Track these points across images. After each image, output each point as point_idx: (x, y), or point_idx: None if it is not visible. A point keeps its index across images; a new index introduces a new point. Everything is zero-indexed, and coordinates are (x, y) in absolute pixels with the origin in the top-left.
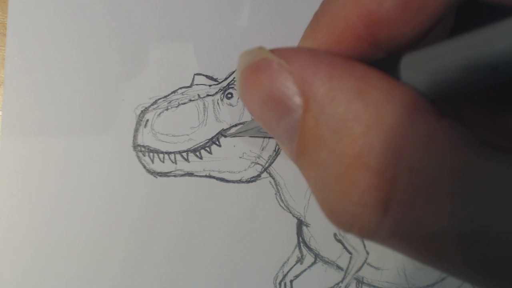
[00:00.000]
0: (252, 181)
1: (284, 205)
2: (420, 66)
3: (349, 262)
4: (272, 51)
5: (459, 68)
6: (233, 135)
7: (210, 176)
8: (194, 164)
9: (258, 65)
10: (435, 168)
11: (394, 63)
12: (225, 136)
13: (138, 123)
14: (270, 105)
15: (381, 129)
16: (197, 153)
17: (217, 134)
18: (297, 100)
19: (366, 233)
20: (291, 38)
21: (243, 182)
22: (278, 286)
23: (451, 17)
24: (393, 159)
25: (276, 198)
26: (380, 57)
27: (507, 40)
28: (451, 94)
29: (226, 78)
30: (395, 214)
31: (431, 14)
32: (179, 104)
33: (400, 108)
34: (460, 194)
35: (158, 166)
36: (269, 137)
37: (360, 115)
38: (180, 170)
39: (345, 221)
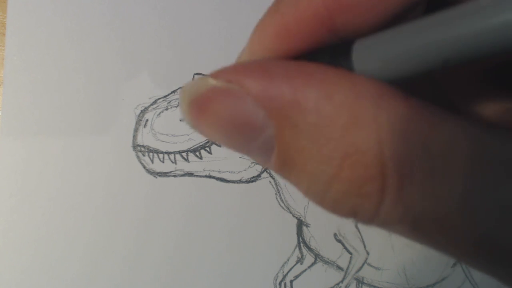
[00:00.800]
0: (252, 181)
1: (284, 205)
2: (372, 54)
3: (349, 262)
4: (216, 75)
5: (410, 57)
6: None
7: (210, 176)
8: (194, 164)
9: (207, 97)
10: (418, 151)
11: (345, 50)
12: None
13: (138, 123)
14: (235, 130)
15: (359, 126)
16: (197, 153)
17: None
18: (265, 118)
19: (367, 219)
20: None
21: (243, 182)
22: (278, 286)
23: (420, 9)
24: (377, 151)
25: (276, 198)
26: (330, 44)
27: (459, 30)
28: (407, 81)
29: None
30: (387, 201)
31: (396, 3)
32: (178, 104)
33: (370, 101)
34: (460, 174)
35: (157, 166)
36: None
37: (335, 120)
38: (180, 170)
39: (348, 212)
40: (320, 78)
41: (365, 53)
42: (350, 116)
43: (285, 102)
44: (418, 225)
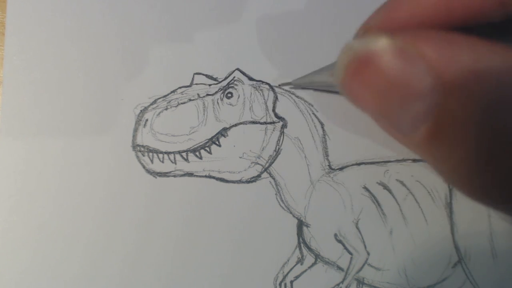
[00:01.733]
0: (252, 181)
1: (284, 205)
2: None
3: (350, 262)
4: (392, 35)
5: None
6: (298, 86)
7: (210, 176)
8: (193, 164)
9: (376, 53)
10: None
11: None
12: (225, 136)
13: (138, 122)
14: (392, 92)
15: None
16: (197, 153)
17: (217, 134)
18: (431, 84)
19: None
20: (292, 37)
21: (243, 182)
22: (278, 286)
23: None
24: None
25: (276, 198)
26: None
27: None
28: None
29: (226, 78)
30: None
31: None
32: (178, 104)
33: None
34: None
35: (157, 166)
36: (335, 92)
37: None
38: (180, 170)
39: (502, 198)
40: (502, 54)
41: None
42: None
43: (463, 69)
44: None
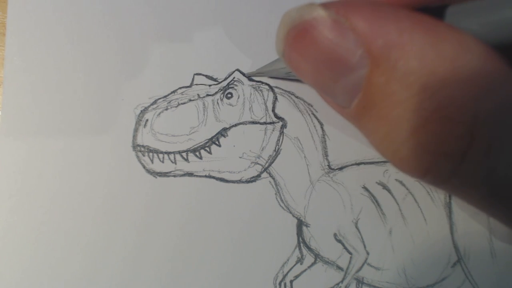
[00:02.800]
0: (252, 181)
1: (284, 205)
2: (479, 16)
3: (349, 262)
4: (326, 6)
5: (506, 24)
6: (254, 74)
7: (210, 176)
8: (193, 164)
9: (311, 24)
10: None
11: (453, 12)
12: (225, 136)
13: (138, 123)
14: (327, 63)
15: (460, 81)
16: (197, 153)
17: (217, 134)
18: (361, 56)
19: (440, 180)
20: None
21: (243, 182)
22: (278, 286)
23: None
24: (473, 109)
25: (276, 198)
26: (434, 5)
27: None
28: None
29: (225, 78)
30: (471, 162)
31: None
32: (178, 104)
33: (476, 59)
34: None
35: (157, 166)
36: (292, 79)
37: (436, 69)
38: (180, 170)
39: (419, 169)
40: (428, 27)
41: (461, 17)
42: (452, 67)
43: (388, 42)
44: (498, 191)
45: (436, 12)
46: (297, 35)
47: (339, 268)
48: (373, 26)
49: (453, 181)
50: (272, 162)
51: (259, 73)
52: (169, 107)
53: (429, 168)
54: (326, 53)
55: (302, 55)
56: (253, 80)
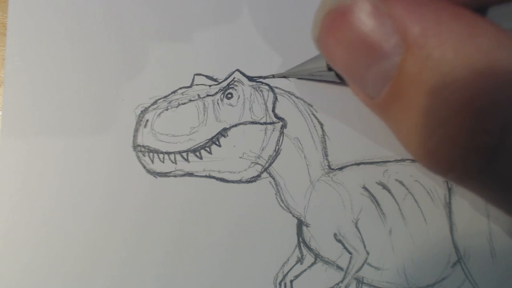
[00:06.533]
0: (252, 181)
1: (284, 205)
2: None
3: (349, 262)
4: None
5: None
6: (282, 76)
7: (210, 176)
8: (194, 164)
9: (350, 7)
10: None
11: (495, 13)
12: (225, 136)
13: (138, 123)
14: (361, 49)
15: (495, 75)
16: (197, 153)
17: (217, 134)
18: (396, 44)
19: (466, 177)
20: (292, 38)
21: (243, 182)
22: (278, 286)
23: None
24: (506, 104)
25: (276, 198)
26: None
27: None
28: None
29: (226, 78)
30: (502, 158)
31: None
32: (179, 104)
33: None
34: None
35: (158, 166)
36: (318, 80)
37: (472, 61)
38: (180, 170)
39: (445, 164)
40: (466, 19)
41: (502, 18)
42: (488, 61)
43: (425, 30)
44: None
45: (478, 12)
46: (334, 19)
47: (339, 268)
48: (412, 14)
49: (481, 177)
50: (272, 162)
51: (288, 74)
52: (169, 107)
53: (457, 163)
54: (362, 38)
55: (337, 39)
56: (253, 80)
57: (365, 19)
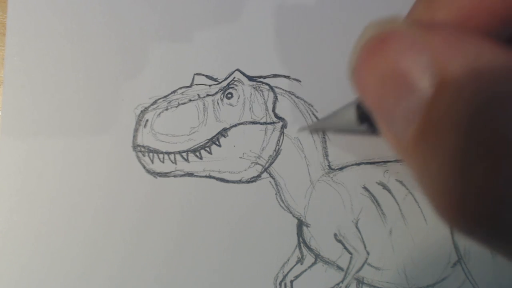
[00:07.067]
0: (252, 181)
1: (284, 205)
2: None
3: (350, 262)
4: (410, 22)
5: None
6: (309, 130)
7: (210, 177)
8: (194, 164)
9: (388, 36)
10: None
11: None
12: (225, 136)
13: (138, 123)
14: (393, 80)
15: None
16: (197, 153)
17: (217, 134)
18: (429, 78)
19: (505, 239)
20: (292, 38)
21: (243, 182)
22: (278, 286)
23: None
24: None
25: (276, 198)
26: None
27: None
28: None
29: (226, 78)
30: None
31: None
32: (179, 104)
33: None
34: None
35: (158, 166)
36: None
37: (509, 101)
38: (180, 170)
39: (478, 220)
40: (505, 57)
41: None
42: None
43: (464, 67)
44: None
45: None
46: (372, 47)
47: (339, 268)
48: (450, 48)
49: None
50: (272, 162)
51: (316, 128)
52: (169, 107)
53: (490, 220)
54: (396, 69)
55: (371, 68)
56: (253, 80)
57: (401, 49)
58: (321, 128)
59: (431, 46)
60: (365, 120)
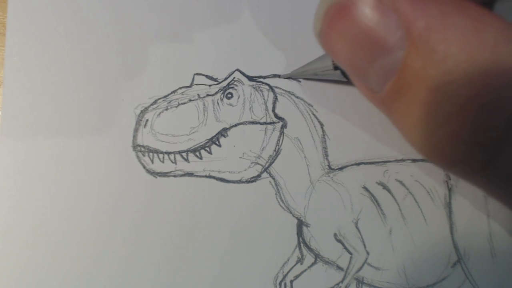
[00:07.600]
0: (252, 181)
1: (284, 205)
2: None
3: (349, 262)
4: None
5: None
6: (287, 77)
7: (210, 176)
8: (194, 164)
9: (352, 1)
10: None
11: (501, 7)
12: (225, 136)
13: (138, 123)
14: (364, 43)
15: (500, 71)
16: (197, 153)
17: (217, 134)
18: (400, 38)
19: (472, 170)
20: (292, 38)
21: (243, 182)
22: (278, 286)
23: None
24: (511, 99)
25: (276, 198)
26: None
27: None
28: None
29: (226, 78)
30: (505, 155)
31: None
32: (179, 104)
33: None
34: None
35: (157, 166)
36: (324, 80)
37: (477, 56)
38: (180, 170)
39: (450, 158)
40: (472, 13)
41: (508, 13)
42: (493, 56)
43: (430, 25)
44: None
45: (484, 6)
46: (337, 13)
47: (339, 268)
48: (416, 8)
49: (486, 172)
50: (272, 162)
51: (293, 75)
52: (169, 107)
53: (461, 157)
54: (365, 32)
55: (339, 33)
56: (253, 80)
57: (368, 13)
58: (300, 74)
59: (396, 7)
60: (339, 67)
